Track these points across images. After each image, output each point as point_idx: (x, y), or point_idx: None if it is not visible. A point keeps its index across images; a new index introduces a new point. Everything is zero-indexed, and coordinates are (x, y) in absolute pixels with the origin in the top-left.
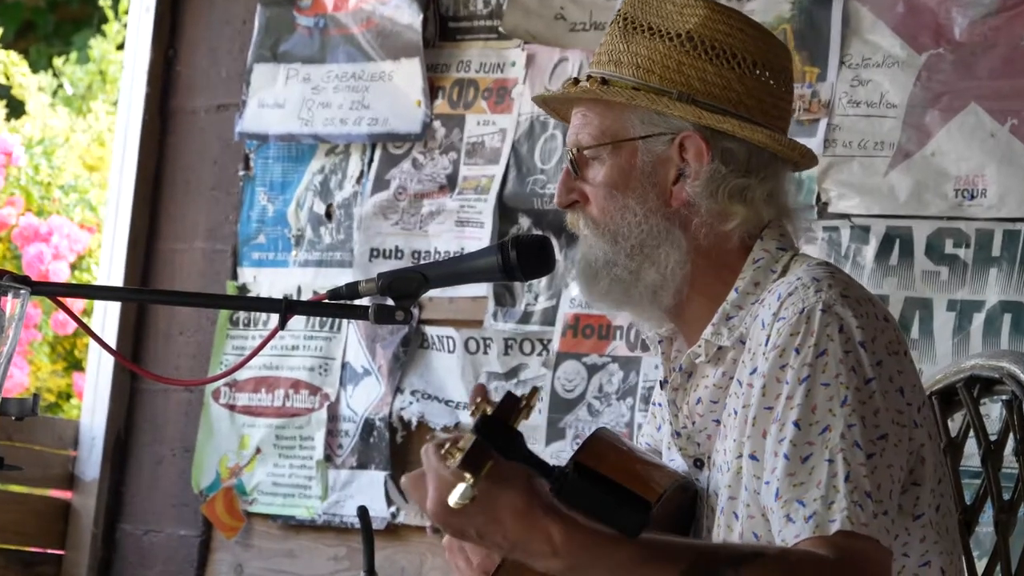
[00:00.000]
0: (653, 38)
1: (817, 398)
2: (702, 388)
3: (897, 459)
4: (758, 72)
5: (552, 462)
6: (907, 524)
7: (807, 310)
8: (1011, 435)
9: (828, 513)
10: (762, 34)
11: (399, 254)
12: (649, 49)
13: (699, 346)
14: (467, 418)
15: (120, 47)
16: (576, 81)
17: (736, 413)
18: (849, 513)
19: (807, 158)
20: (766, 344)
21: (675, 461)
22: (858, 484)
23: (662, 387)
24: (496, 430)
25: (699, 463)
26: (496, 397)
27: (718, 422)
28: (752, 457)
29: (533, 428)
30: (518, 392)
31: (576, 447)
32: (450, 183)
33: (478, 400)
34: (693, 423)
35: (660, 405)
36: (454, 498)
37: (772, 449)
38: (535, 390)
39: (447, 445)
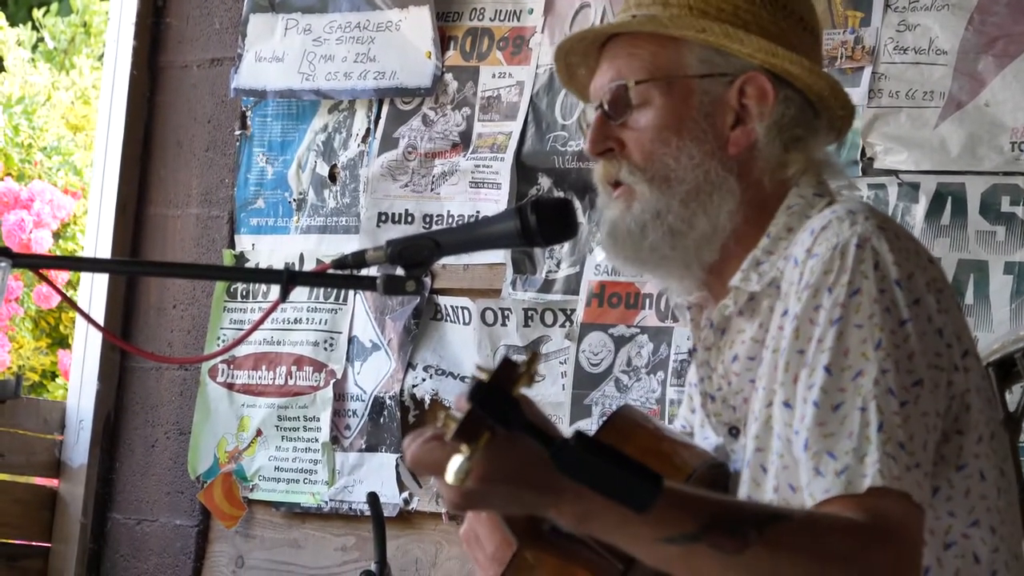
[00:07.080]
0: None
1: (849, 341)
2: (739, 344)
3: (933, 406)
4: (804, 31)
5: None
6: (949, 475)
7: (841, 245)
8: None
9: (860, 467)
10: None
11: (409, 219)
12: None
13: (729, 296)
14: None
15: None
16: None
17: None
18: (882, 466)
19: (846, 118)
20: (799, 283)
21: (708, 440)
22: (892, 434)
23: (691, 355)
24: (492, 398)
25: (734, 431)
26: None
27: (754, 382)
28: (786, 404)
29: (556, 405)
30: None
31: (602, 423)
32: (463, 141)
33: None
34: (729, 384)
35: (695, 385)
36: (450, 474)
37: (802, 396)
38: (535, 355)
39: (443, 417)
